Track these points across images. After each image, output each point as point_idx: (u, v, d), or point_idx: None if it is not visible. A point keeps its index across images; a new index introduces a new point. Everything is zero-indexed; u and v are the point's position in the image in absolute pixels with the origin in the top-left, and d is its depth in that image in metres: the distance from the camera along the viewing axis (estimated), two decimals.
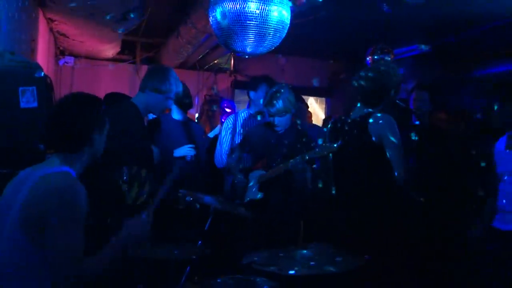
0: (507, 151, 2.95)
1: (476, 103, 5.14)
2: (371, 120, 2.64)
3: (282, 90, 3.15)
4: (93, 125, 1.76)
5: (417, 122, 3.87)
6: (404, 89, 6.78)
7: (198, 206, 2.47)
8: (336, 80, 7.81)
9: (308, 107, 5.30)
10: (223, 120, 5.97)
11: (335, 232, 2.70)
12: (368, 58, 5.19)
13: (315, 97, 8.18)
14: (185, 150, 3.51)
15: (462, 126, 4.56)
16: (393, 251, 2.61)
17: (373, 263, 1.93)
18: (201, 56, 6.73)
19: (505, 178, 2.90)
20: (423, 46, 6.37)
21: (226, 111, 6.41)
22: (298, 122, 3.45)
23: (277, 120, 3.18)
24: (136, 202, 2.56)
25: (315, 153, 2.89)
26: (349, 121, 2.80)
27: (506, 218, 2.87)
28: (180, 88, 2.92)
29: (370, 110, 2.69)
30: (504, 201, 2.88)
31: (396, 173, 2.57)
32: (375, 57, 5.08)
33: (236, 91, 7.54)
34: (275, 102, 3.12)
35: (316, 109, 8.16)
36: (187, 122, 3.78)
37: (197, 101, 7.31)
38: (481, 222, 3.02)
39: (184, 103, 3.63)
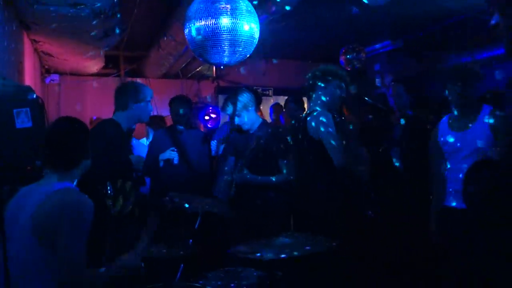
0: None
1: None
2: (308, 119, 3.03)
3: (234, 94, 3.47)
4: (82, 151, 2.06)
5: (402, 121, 4.11)
6: (381, 83, 7.08)
7: (186, 205, 2.67)
8: None
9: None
10: (209, 126, 6.20)
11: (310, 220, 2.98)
12: (341, 58, 5.45)
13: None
14: (168, 154, 3.86)
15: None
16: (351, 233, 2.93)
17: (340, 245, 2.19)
18: (183, 65, 6.93)
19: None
20: (395, 42, 6.66)
21: (212, 117, 6.60)
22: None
23: (237, 119, 3.46)
24: (121, 214, 2.75)
25: None
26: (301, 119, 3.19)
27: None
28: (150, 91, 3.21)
29: (318, 108, 3.09)
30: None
31: (335, 162, 2.89)
32: (348, 56, 5.35)
33: (220, 96, 7.73)
34: (226, 106, 3.50)
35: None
36: (173, 129, 4.12)
37: None
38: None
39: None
